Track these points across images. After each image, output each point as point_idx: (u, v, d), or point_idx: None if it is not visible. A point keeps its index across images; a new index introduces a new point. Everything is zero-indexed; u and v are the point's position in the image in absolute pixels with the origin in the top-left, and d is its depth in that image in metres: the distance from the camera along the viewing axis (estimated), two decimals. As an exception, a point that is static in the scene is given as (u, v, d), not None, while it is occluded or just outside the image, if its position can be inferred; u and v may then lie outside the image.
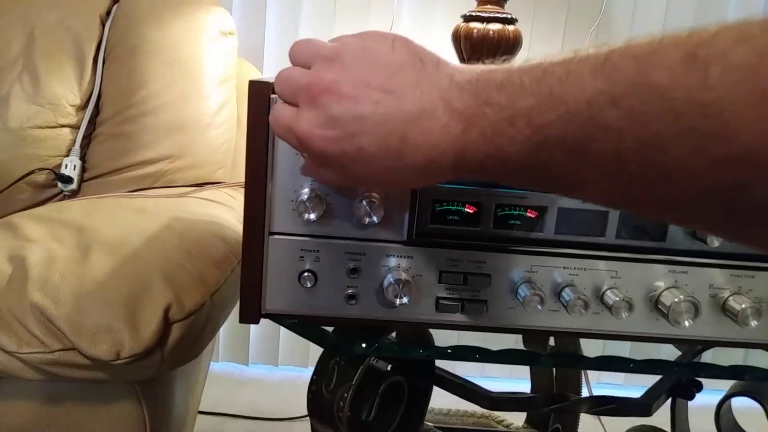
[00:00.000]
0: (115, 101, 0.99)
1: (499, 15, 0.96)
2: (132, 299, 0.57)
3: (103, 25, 1.03)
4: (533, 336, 0.67)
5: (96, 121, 1.00)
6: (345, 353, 0.57)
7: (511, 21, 0.97)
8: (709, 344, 0.56)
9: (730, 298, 0.53)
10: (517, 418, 1.08)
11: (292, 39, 1.34)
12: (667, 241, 0.52)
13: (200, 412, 1.35)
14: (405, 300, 0.49)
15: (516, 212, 0.51)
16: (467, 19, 0.98)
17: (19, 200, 0.94)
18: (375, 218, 0.49)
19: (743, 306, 0.51)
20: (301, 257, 0.50)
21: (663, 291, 0.52)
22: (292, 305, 0.51)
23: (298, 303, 0.51)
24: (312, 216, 0.48)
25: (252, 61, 1.34)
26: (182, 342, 0.59)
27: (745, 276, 0.53)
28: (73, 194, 0.97)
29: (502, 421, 1.15)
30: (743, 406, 0.69)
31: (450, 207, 0.51)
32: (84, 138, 0.99)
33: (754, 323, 0.51)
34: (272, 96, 0.47)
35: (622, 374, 1.58)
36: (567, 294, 0.51)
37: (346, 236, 0.50)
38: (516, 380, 1.55)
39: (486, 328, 0.53)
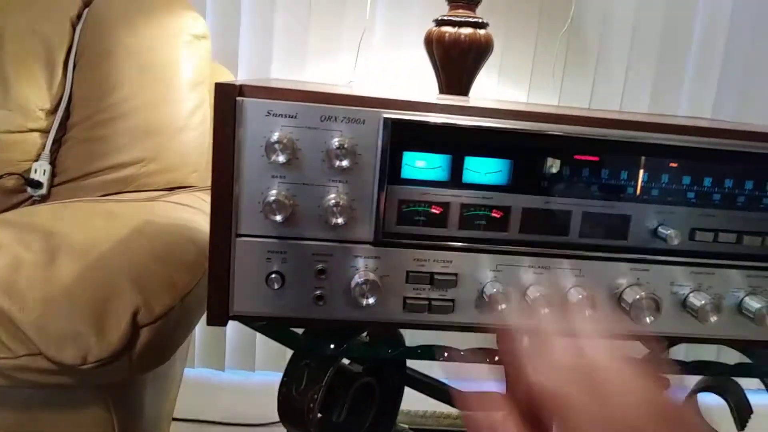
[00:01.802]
0: (86, 105, 0.98)
1: (470, 19, 0.97)
2: (99, 304, 0.57)
3: (74, 29, 1.02)
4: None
5: (66, 125, 0.99)
6: (314, 355, 0.57)
7: (482, 25, 0.98)
8: (671, 341, 0.57)
9: (690, 294, 0.54)
10: (493, 419, 1.09)
11: (266, 42, 1.34)
12: (629, 239, 0.53)
13: (176, 419, 1.34)
14: (371, 300, 0.50)
15: (481, 212, 0.52)
16: (439, 23, 1.00)
17: (-13, 206, 0.92)
18: (341, 220, 0.49)
19: (702, 302, 0.53)
20: (268, 259, 0.50)
21: (625, 288, 0.53)
22: (260, 307, 0.51)
23: (266, 304, 0.51)
24: (278, 218, 0.48)
25: (227, 64, 1.34)
26: (151, 346, 0.59)
27: (705, 273, 0.54)
28: (43, 199, 0.96)
29: (478, 421, 1.15)
30: (714, 402, 0.70)
31: (417, 208, 0.51)
32: (54, 142, 0.98)
33: (713, 319, 0.53)
34: (238, 99, 0.47)
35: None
36: (531, 292, 0.52)
37: (313, 237, 0.50)
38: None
39: (453, 327, 0.53)
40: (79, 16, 1.04)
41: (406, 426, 0.97)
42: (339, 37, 1.35)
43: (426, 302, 0.52)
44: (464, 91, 1.02)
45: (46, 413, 0.59)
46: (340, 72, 1.36)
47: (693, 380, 0.71)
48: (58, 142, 0.99)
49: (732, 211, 0.54)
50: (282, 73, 1.37)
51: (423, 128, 0.50)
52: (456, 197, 0.51)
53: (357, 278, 0.50)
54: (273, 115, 0.48)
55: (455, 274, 0.52)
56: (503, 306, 0.51)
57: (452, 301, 0.52)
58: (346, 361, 0.68)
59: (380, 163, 0.49)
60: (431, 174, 0.51)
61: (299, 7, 1.34)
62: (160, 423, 0.80)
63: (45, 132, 0.98)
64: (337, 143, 0.48)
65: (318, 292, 0.51)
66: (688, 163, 0.52)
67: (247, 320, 0.52)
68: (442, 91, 1.03)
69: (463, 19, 0.97)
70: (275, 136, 0.47)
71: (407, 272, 0.52)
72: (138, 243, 0.67)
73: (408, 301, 0.52)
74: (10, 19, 0.98)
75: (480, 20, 0.98)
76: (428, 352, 0.55)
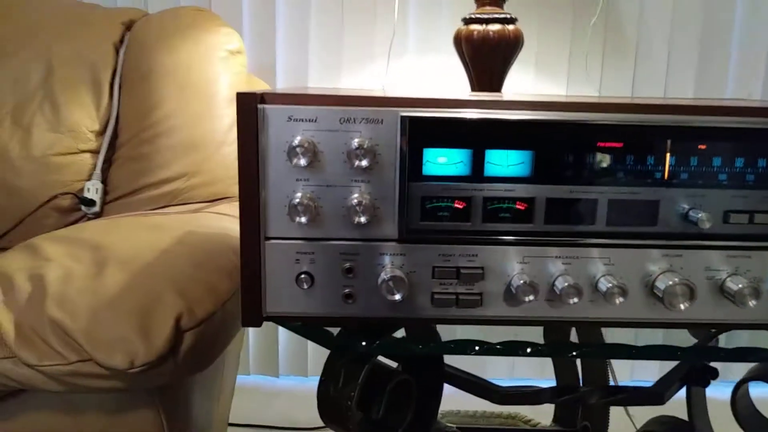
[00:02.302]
0: (131, 125, 1.03)
1: (497, 15, 0.97)
2: (144, 310, 0.60)
3: (118, 53, 1.07)
4: (554, 328, 0.67)
5: (115, 144, 1.04)
6: (347, 352, 0.58)
7: (511, 21, 0.98)
8: (712, 328, 0.56)
9: (728, 279, 0.52)
10: (545, 418, 1.08)
11: (302, 54, 1.37)
12: (659, 224, 0.52)
13: (232, 425, 1.38)
14: (398, 296, 0.51)
15: (505, 205, 0.52)
16: (467, 21, 1.00)
17: (46, 225, 0.98)
18: (364, 219, 0.50)
19: (740, 286, 0.51)
20: (297, 260, 0.52)
21: (658, 275, 0.52)
22: (292, 307, 0.53)
23: (297, 304, 0.53)
24: (303, 219, 0.49)
25: (265, 76, 1.38)
26: (195, 349, 0.61)
27: (742, 256, 0.53)
28: (97, 216, 1.01)
29: (530, 420, 1.14)
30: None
31: (440, 204, 0.52)
32: (104, 162, 1.03)
33: (752, 303, 0.51)
34: (259, 107, 0.49)
35: (656, 369, 1.55)
36: (560, 283, 0.51)
37: (339, 237, 0.52)
38: (547, 381, 1.54)
39: (483, 321, 0.53)
40: (121, 40, 1.09)
41: (453, 426, 0.97)
42: (372, 44, 1.36)
43: (453, 297, 0.52)
44: (496, 87, 1.02)
45: (99, 416, 0.63)
46: (375, 78, 1.38)
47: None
48: (108, 161, 1.04)
49: (767, 191, 0.52)
50: (319, 83, 1.40)
51: (441, 124, 0.50)
52: (479, 191, 0.52)
53: (383, 275, 0.51)
54: (294, 120, 0.50)
55: (481, 268, 0.52)
56: (531, 298, 0.51)
57: (480, 294, 0.53)
58: (392, 363, 0.68)
59: (400, 161, 0.50)
60: (453, 169, 0.51)
61: (332, 18, 1.36)
62: (212, 427, 0.82)
63: (95, 152, 1.03)
64: (356, 144, 0.49)
65: (347, 290, 0.52)
66: (717, 144, 0.51)
67: (280, 320, 0.54)
68: (474, 89, 1.04)
69: (490, 16, 0.97)
70: (297, 140, 0.49)
71: (433, 267, 0.52)
72: (180, 252, 0.70)
73: (435, 296, 0.52)
74: (57, 48, 1.04)
75: (508, 16, 0.98)
76: (461, 347, 0.56)
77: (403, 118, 0.50)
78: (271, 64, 1.41)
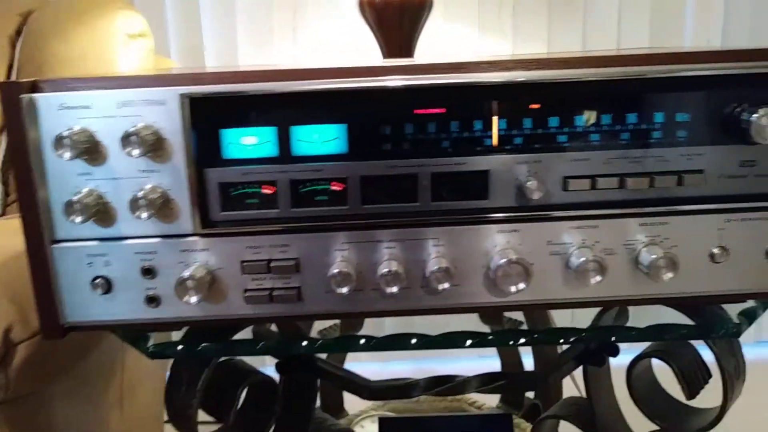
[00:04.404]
0: (29, 121, 0.98)
1: (398, -24, 0.90)
2: (-30, 323, 0.55)
3: (14, 47, 1.02)
4: (488, 312, 0.60)
5: (16, 143, 1.00)
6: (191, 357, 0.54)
7: (414, -20, 0.91)
8: (565, 307, 0.50)
9: (574, 253, 0.46)
10: (491, 400, 1.04)
11: (230, 29, 1.31)
12: (491, 198, 0.46)
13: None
14: (194, 299, 0.45)
15: (319, 187, 0.47)
16: (369, -15, 0.93)
17: (-54, 231, 0.94)
18: (157, 213, 0.45)
19: (582, 260, 0.45)
20: (89, 263, 0.47)
21: (494, 255, 0.46)
22: (94, 315, 0.48)
23: (99, 312, 0.48)
24: (78, 219, 0.44)
25: (194, 57, 1.32)
26: (32, 362, 0.57)
27: (587, 227, 0.46)
28: None
29: (474, 402, 1.10)
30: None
31: (244, 190, 0.47)
32: (5, 162, 0.98)
33: (596, 279, 0.45)
34: (23, 96, 0.44)
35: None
36: (383, 269, 0.46)
37: (133, 235, 0.46)
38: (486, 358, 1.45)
39: (301, 317, 0.48)
40: (18, 33, 1.04)
41: (342, 422, 0.92)
42: (305, 12, 1.30)
43: (267, 292, 0.47)
44: (406, 53, 0.95)
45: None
46: (304, 48, 1.31)
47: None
48: (8, 162, 1.00)
49: (611, 152, 0.46)
50: (250, 58, 1.34)
51: (230, 101, 0.45)
52: (286, 173, 0.46)
53: (183, 274, 0.46)
54: (66, 108, 0.44)
55: (295, 259, 0.47)
56: (345, 290, 0.45)
57: (297, 288, 0.47)
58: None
59: (188, 145, 0.45)
60: (257, 151, 0.46)
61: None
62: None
63: (-5, 153, 0.99)
64: (136, 129, 0.44)
65: (149, 293, 0.47)
66: (550, 103, 0.45)
67: (83, 330, 0.49)
68: (384, 56, 0.97)
69: (390, -23, 0.90)
70: (65, 131, 0.43)
71: (241, 262, 0.47)
72: (33, 256, 0.65)
73: (247, 293, 0.47)
74: (-53, 45, 0.99)
75: (410, -25, 0.90)
76: (288, 346, 0.51)
77: (182, 96, 0.44)
78: (198, 44, 1.34)
